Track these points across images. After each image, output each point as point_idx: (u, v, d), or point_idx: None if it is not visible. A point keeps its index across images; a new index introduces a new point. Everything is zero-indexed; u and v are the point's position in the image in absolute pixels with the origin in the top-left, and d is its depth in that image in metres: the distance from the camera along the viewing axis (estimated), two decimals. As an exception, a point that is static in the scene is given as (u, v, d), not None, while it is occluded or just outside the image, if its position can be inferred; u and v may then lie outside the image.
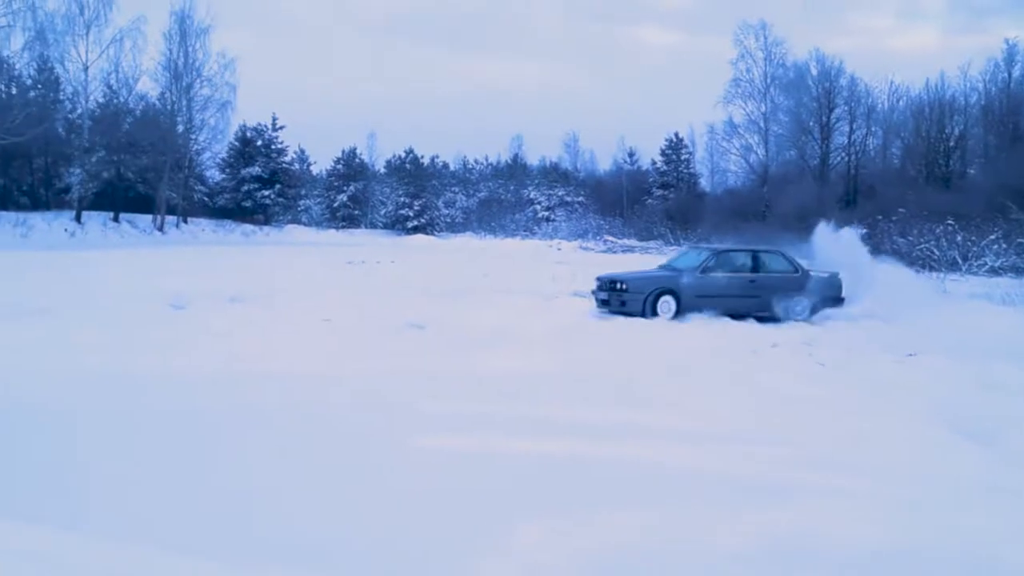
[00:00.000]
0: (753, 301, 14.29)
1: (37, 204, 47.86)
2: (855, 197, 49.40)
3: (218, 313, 12.33)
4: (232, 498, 4.57)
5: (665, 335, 11.77)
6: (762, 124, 57.01)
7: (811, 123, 55.36)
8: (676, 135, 70.51)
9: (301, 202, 69.27)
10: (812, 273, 14.70)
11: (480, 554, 3.88)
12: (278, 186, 62.78)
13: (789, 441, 5.94)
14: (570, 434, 5.92)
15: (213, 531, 4.08)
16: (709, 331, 12.34)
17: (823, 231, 16.43)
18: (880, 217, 31.60)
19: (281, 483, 4.84)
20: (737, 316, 13.82)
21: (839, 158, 55.96)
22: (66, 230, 42.93)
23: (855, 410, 7.14)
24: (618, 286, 14.14)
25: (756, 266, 14.68)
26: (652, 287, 14.06)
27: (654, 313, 13.77)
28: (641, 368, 8.88)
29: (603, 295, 14.30)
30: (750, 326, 13.15)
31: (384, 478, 4.98)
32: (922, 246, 26.16)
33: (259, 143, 63.78)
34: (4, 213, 41.58)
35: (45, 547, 3.77)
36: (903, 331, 11.79)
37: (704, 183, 68.58)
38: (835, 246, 15.73)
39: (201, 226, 55.52)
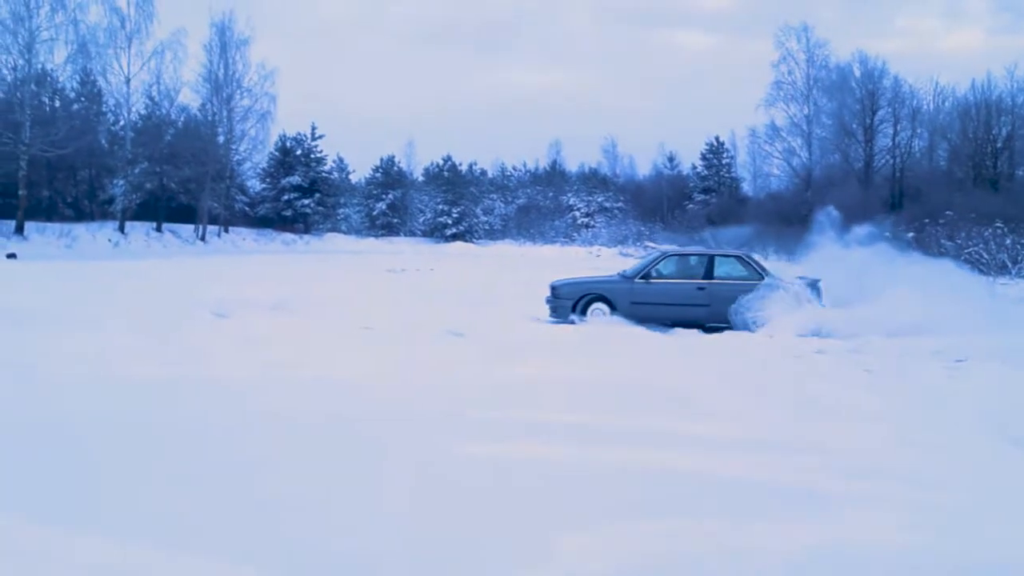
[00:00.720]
0: (702, 310, 13.22)
1: (81, 215, 48.61)
2: (901, 200, 48.65)
3: (260, 321, 12.36)
4: (264, 505, 4.49)
5: (701, 343, 11.54)
6: (805, 127, 56.56)
7: (855, 125, 54.71)
8: (717, 139, 70.27)
9: (340, 211, 69.86)
10: (782, 281, 13.40)
11: (522, 563, 3.79)
12: (318, 195, 63.34)
13: (834, 449, 5.78)
14: (609, 441, 5.81)
15: (244, 538, 4.00)
16: (748, 338, 12.06)
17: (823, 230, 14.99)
18: (927, 220, 31.11)
19: (314, 489, 4.75)
20: (687, 326, 12.94)
21: (884, 161, 55.21)
22: (110, 240, 43.54)
23: (902, 417, 6.96)
24: (553, 292, 13.77)
25: (708, 272, 13.46)
26: (580, 293, 13.53)
27: (583, 317, 13.22)
28: (682, 376, 8.71)
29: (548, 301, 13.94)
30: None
31: (424, 485, 4.89)
32: (970, 249, 25.69)
33: (299, 153, 64.43)
34: (49, 224, 42.28)
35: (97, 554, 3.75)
36: (953, 337, 11.41)
37: (746, 187, 68.12)
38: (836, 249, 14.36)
39: (242, 235, 56.08)
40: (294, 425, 6.26)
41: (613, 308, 13.27)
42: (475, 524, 4.28)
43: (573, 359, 9.59)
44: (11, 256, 32.10)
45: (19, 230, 39.06)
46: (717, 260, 13.66)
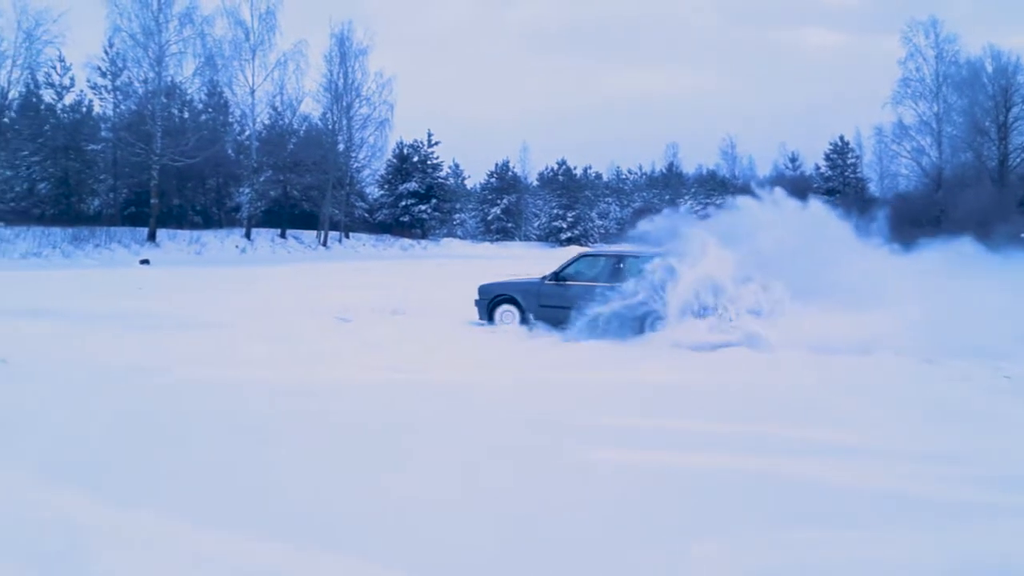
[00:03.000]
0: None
1: (209, 222, 50.29)
2: (1037, 200, 46.12)
3: (381, 325, 12.49)
4: (404, 505, 4.52)
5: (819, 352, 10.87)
6: (934, 125, 54.22)
7: (987, 123, 52.17)
8: (841, 138, 68.15)
9: (456, 216, 70.58)
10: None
11: (658, 567, 3.74)
12: (434, 201, 64.09)
13: (981, 460, 5.47)
14: (736, 449, 5.67)
15: (384, 540, 4.04)
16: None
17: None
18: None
19: (445, 494, 4.75)
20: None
21: (1019, 159, 52.49)
22: (237, 246, 44.96)
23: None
24: (478, 292, 13.27)
25: (617, 274, 11.97)
26: (492, 294, 12.97)
27: (491, 322, 12.72)
28: (803, 383, 8.35)
29: None
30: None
31: (552, 490, 4.84)
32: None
33: (415, 159, 65.32)
34: (180, 231, 43.91)
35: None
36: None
37: (873, 188, 65.57)
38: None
39: (362, 241, 57.18)
40: (426, 429, 6.28)
41: (522, 310, 12.71)
42: (609, 528, 4.22)
43: (695, 365, 9.41)
44: (144, 262, 33.42)
45: (151, 237, 40.70)
46: (629, 261, 12.15)
